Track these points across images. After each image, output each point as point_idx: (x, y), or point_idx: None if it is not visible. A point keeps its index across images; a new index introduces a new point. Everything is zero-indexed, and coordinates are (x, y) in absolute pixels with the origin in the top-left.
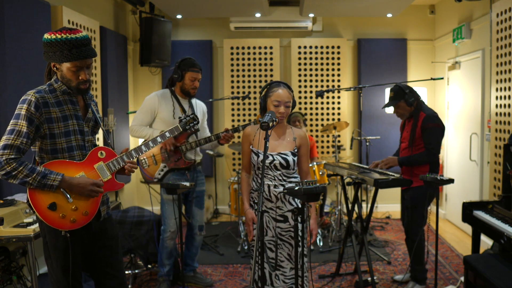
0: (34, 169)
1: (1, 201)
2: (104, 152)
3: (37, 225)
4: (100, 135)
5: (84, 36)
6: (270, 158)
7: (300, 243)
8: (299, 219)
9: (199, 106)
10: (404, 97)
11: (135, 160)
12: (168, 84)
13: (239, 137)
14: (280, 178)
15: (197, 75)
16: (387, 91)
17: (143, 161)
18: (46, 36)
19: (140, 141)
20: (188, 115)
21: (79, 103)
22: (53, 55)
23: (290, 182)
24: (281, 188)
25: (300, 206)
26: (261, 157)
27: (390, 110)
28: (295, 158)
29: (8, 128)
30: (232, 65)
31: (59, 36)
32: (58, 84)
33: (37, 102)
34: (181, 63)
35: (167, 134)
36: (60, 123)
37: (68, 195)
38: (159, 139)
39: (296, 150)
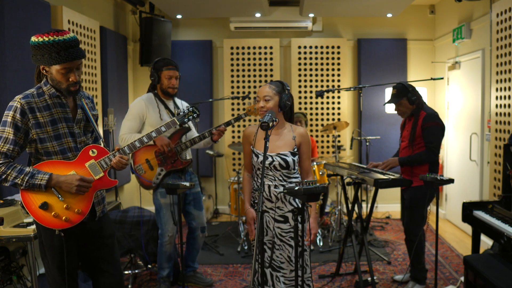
0: (22, 170)
1: (1, 201)
2: (96, 150)
3: None
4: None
5: (72, 38)
6: (270, 159)
7: (300, 244)
8: (299, 219)
9: (184, 106)
10: (407, 95)
11: (127, 157)
12: (150, 88)
13: (239, 137)
14: (281, 178)
15: (173, 73)
16: (387, 91)
17: (139, 167)
18: (34, 39)
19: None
20: (187, 107)
21: (69, 105)
22: (41, 58)
23: (291, 182)
24: (281, 188)
25: (294, 208)
26: (261, 158)
27: (390, 110)
28: (295, 158)
29: None
30: (232, 65)
31: (46, 39)
32: (47, 87)
33: (22, 109)
34: (155, 64)
35: (163, 129)
36: (49, 127)
37: (59, 194)
38: (154, 134)
39: (296, 150)
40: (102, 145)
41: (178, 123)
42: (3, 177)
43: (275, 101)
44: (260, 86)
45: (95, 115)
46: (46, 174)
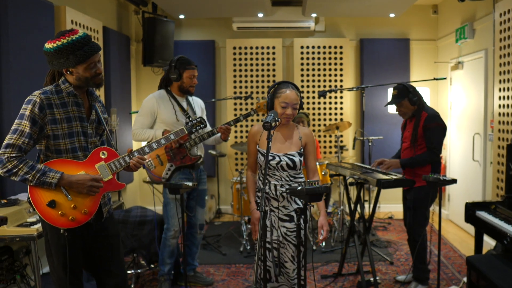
0: (34, 166)
1: (5, 201)
2: (106, 152)
3: (40, 224)
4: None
5: (85, 34)
6: (277, 159)
7: (302, 244)
8: (301, 219)
9: (197, 103)
10: (408, 96)
11: (146, 157)
12: (162, 84)
13: (241, 137)
14: (287, 178)
15: (195, 72)
16: (390, 91)
17: (149, 162)
18: (50, 45)
19: (143, 143)
20: (194, 118)
21: (84, 105)
22: (66, 61)
23: (297, 182)
24: None
25: (297, 207)
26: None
27: (392, 110)
28: (302, 158)
29: (12, 127)
30: (234, 65)
31: (64, 41)
32: (65, 85)
33: (41, 103)
34: (177, 62)
35: (172, 137)
36: (64, 124)
37: (68, 193)
38: (163, 141)
39: (302, 150)
40: (113, 147)
41: (187, 132)
42: (14, 171)
43: (298, 106)
44: (263, 87)
45: (105, 119)
46: (58, 173)
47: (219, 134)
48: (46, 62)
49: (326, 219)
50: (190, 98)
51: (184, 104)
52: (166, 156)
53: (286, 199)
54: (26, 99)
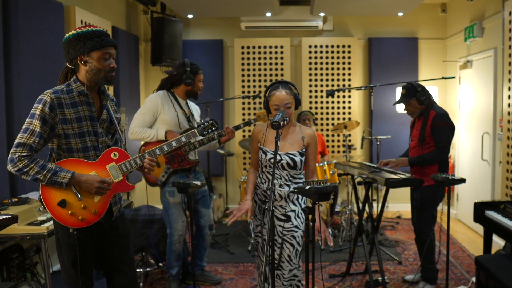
0: (45, 166)
1: (16, 199)
2: (117, 153)
3: (50, 223)
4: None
5: (104, 30)
6: (278, 157)
7: (301, 243)
8: (309, 218)
9: (194, 107)
10: (416, 95)
11: (156, 159)
12: (165, 86)
13: (249, 130)
14: (286, 178)
15: (202, 77)
16: (398, 90)
17: None
18: (70, 33)
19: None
20: (207, 121)
21: (95, 104)
22: (82, 47)
23: (296, 183)
24: (286, 188)
25: (305, 207)
26: (269, 155)
27: (400, 109)
28: (303, 159)
29: (23, 126)
30: (243, 64)
31: (84, 30)
32: (76, 84)
33: (52, 103)
34: (191, 67)
35: (183, 139)
36: (74, 124)
37: (78, 193)
38: (174, 143)
39: (303, 150)
40: (123, 149)
41: (198, 135)
42: (25, 170)
43: (293, 105)
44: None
45: (117, 118)
46: (69, 173)
47: (217, 139)
48: (56, 61)
49: (322, 222)
50: (188, 102)
51: (186, 108)
52: (164, 158)
53: (283, 199)
54: (38, 98)
